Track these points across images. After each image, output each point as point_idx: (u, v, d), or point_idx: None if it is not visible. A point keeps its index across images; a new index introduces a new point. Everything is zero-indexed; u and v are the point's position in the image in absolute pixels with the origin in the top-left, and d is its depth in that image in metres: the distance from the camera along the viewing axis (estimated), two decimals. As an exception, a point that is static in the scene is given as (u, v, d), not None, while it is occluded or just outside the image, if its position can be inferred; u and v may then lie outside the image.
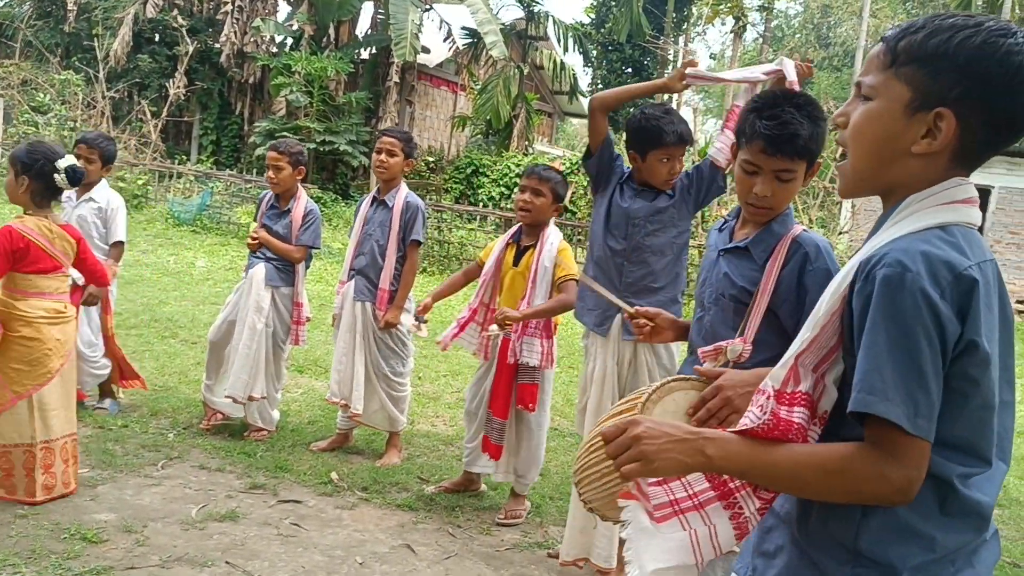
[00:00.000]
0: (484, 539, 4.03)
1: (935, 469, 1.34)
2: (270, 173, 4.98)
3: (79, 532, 3.51)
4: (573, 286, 4.17)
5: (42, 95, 17.36)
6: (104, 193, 5.05)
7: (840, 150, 1.65)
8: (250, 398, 4.92)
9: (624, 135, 3.70)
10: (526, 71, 20.15)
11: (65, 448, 3.88)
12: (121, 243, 5.10)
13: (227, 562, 3.43)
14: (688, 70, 3.34)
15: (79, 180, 3.95)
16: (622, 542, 3.59)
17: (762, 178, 2.25)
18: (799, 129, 2.18)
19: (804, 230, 2.32)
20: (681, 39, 29.25)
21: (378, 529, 3.96)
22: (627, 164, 3.64)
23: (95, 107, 17.80)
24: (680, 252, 3.56)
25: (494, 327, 4.14)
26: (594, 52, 26.14)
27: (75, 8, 19.93)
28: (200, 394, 5.25)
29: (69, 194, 5.00)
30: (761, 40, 30.12)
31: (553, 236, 4.24)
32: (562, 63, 20.42)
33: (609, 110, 3.60)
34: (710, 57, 39.07)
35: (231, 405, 4.97)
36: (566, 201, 16.80)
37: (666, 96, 25.11)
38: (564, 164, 17.64)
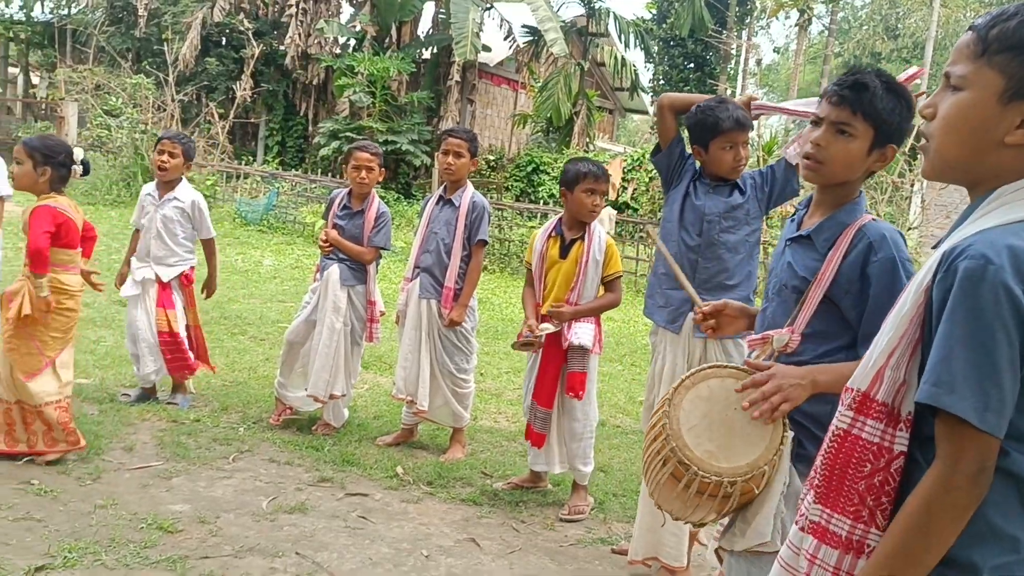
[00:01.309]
0: (548, 534, 4.05)
1: (1015, 467, 1.32)
2: (362, 174, 5.03)
3: (156, 522, 3.62)
4: (621, 285, 4.32)
5: (114, 99, 17.87)
6: (187, 192, 5.23)
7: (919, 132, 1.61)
8: (331, 396, 5.02)
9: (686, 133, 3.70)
10: (586, 68, 20.08)
11: (69, 404, 4.22)
12: (212, 239, 5.30)
13: (297, 553, 3.51)
14: (754, 103, 3.47)
15: (88, 171, 4.37)
16: (691, 540, 3.60)
17: (823, 128, 2.15)
18: (870, 84, 2.10)
19: (873, 219, 2.22)
20: (744, 33, 28.87)
21: (443, 523, 4.01)
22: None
23: (165, 110, 18.27)
24: (752, 250, 3.57)
25: (546, 324, 4.16)
26: (655, 48, 25.97)
27: (145, 14, 20.50)
28: (269, 389, 5.37)
29: (153, 194, 5.16)
30: (826, 33, 29.57)
31: (599, 228, 4.31)
32: (623, 59, 20.31)
33: (677, 111, 3.62)
34: (774, 51, 38.46)
35: (302, 400, 5.08)
36: (628, 197, 16.79)
37: (727, 90, 24.80)
38: (625, 161, 17.55)
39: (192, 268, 5.31)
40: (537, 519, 4.22)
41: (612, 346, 8.70)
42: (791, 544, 1.58)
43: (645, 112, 27.44)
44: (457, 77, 19.40)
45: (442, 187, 4.99)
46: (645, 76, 27.33)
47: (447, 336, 4.86)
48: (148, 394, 5.27)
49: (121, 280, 5.31)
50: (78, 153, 4.24)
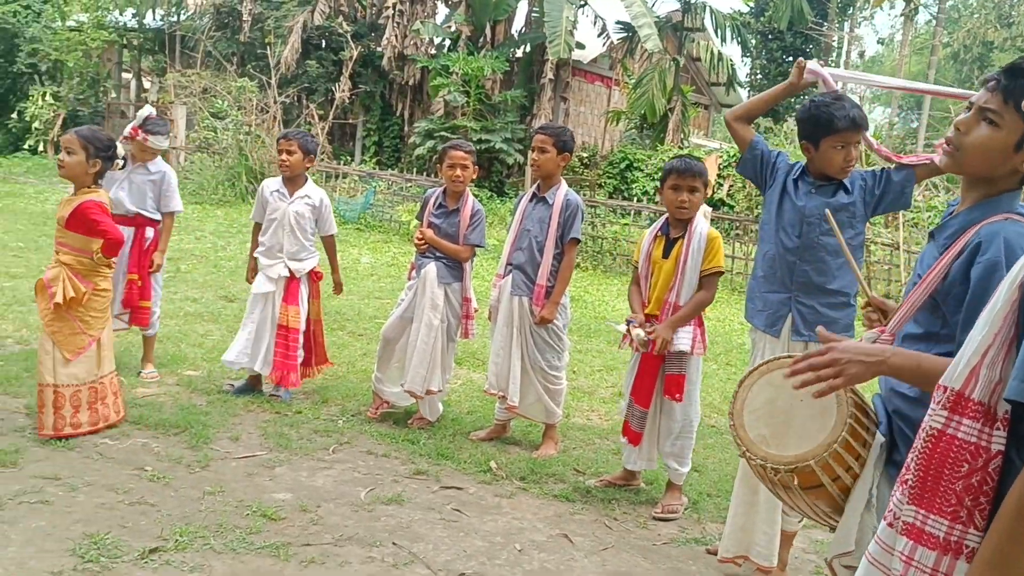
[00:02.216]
0: (640, 532, 4.04)
1: None
2: (456, 172, 5.10)
3: (260, 509, 3.76)
4: (716, 282, 4.22)
5: (220, 101, 18.55)
6: (315, 190, 5.43)
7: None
8: (427, 392, 5.11)
9: (786, 126, 3.62)
10: (682, 63, 19.82)
11: (113, 382, 4.54)
12: (334, 235, 5.54)
13: (394, 543, 3.59)
14: (808, 64, 3.40)
15: (125, 164, 4.74)
16: (784, 539, 3.54)
17: (970, 113, 1.98)
18: None
19: (1007, 218, 1.98)
20: (846, 24, 28.01)
21: (536, 518, 4.05)
22: (794, 159, 3.56)
23: (268, 112, 18.86)
24: (854, 253, 3.42)
25: (640, 332, 4.13)
26: (753, 41, 25.43)
27: (249, 19, 21.22)
28: (367, 383, 5.50)
29: (283, 192, 5.35)
30: (934, 22, 28.43)
31: (702, 226, 4.24)
32: (719, 54, 19.96)
33: (745, 121, 3.58)
34: (878, 42, 37.17)
35: (399, 395, 5.19)
36: (724, 194, 16.49)
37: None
38: (721, 157, 17.27)
39: (318, 263, 5.49)
40: (630, 517, 4.22)
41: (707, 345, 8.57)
42: (881, 541, 1.55)
43: (742, 107, 26.79)
44: (550, 75, 19.43)
45: (536, 184, 5.01)
46: (742, 70, 26.80)
47: (539, 333, 4.88)
48: (253, 386, 5.47)
49: (252, 273, 5.52)
50: (120, 148, 4.58)
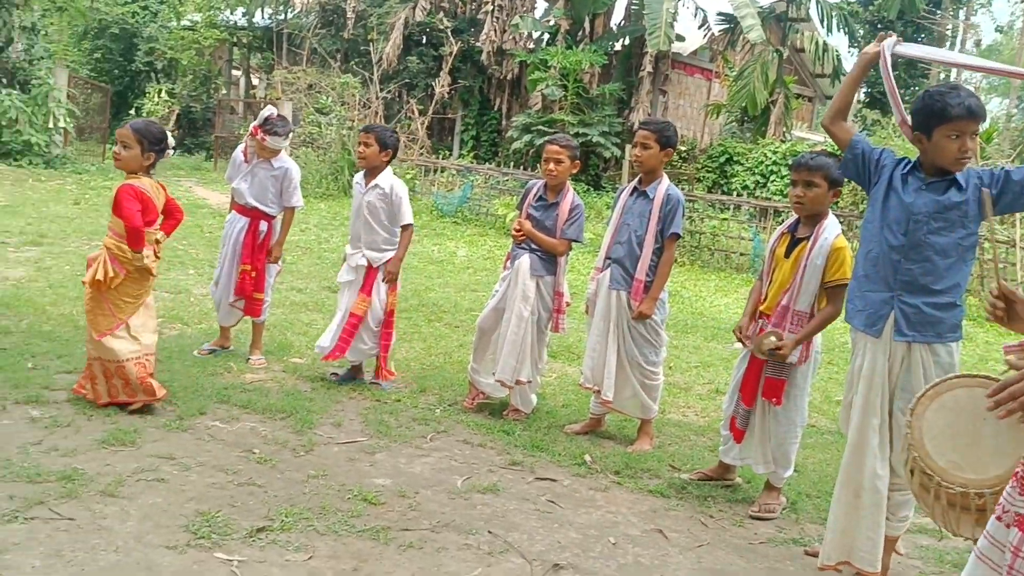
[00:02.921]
0: (737, 531, 4.00)
1: None
2: (550, 166, 5.12)
3: (361, 494, 3.87)
4: (843, 295, 3.98)
5: (324, 97, 19.05)
6: (388, 179, 5.50)
7: None
8: (517, 382, 5.17)
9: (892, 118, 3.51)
10: (785, 55, 19.37)
11: (149, 361, 4.64)
12: (410, 225, 5.54)
13: (489, 531, 3.65)
14: (894, 44, 3.37)
15: (171, 151, 4.89)
16: (886, 544, 3.44)
17: None
18: None
19: None
20: (961, 12, 26.81)
21: (630, 512, 4.05)
22: (899, 154, 3.44)
23: (370, 107, 19.28)
24: (966, 254, 3.27)
25: (771, 338, 4.01)
26: (861, 31, 24.59)
27: (353, 16, 21.73)
28: (463, 374, 5.59)
29: (360, 182, 5.49)
30: (1059, 7, 26.95)
31: (829, 230, 4.05)
32: (825, 44, 19.42)
33: (840, 118, 3.50)
34: (995, 30, 35.45)
35: (494, 386, 5.25)
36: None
37: (940, 74, 23.13)
38: (826, 150, 16.81)
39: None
40: (726, 515, 4.17)
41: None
42: (990, 536, 1.51)
43: (848, 99, 25.99)
44: (649, 68, 19.25)
45: (637, 178, 4.99)
46: (848, 61, 25.97)
47: (636, 328, 4.87)
48: (354, 374, 5.63)
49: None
50: (170, 139, 4.82)
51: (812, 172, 4.02)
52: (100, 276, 4.46)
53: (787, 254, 4.13)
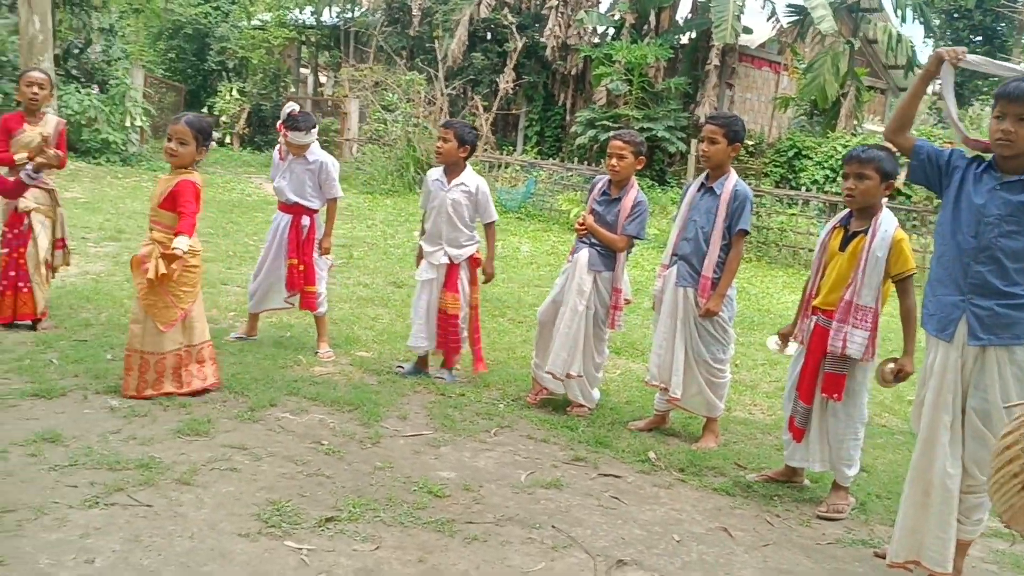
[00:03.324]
0: (804, 531, 3.94)
1: None
2: (613, 161, 5.11)
3: (426, 486, 3.92)
4: (912, 284, 3.94)
5: (390, 94, 19.26)
6: (473, 178, 5.55)
7: None
8: (568, 376, 5.17)
9: (971, 111, 3.43)
10: (857, 46, 18.91)
11: (202, 352, 4.85)
12: (494, 222, 5.63)
13: (553, 526, 3.67)
14: (958, 56, 3.31)
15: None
16: (959, 548, 3.36)
17: None
18: None
19: None
20: (1044, -1, 25.83)
21: (695, 510, 4.02)
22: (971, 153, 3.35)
23: (435, 104, 19.42)
24: None
25: (889, 366, 3.91)
26: (936, 21, 23.90)
27: (419, 13, 21.91)
28: (526, 369, 5.61)
29: (442, 181, 5.54)
30: None
31: (887, 222, 3.99)
32: (898, 35, 18.90)
33: (902, 131, 3.46)
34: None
35: (555, 382, 5.26)
36: (899, 181, 15.64)
37: (1020, 61, 22.33)
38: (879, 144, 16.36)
39: (477, 250, 5.64)
40: (792, 515, 4.12)
41: (879, 342, 8.20)
42: None
43: (922, 91, 25.30)
44: (716, 61, 19.00)
45: (704, 174, 4.94)
46: (923, 52, 25.26)
47: (703, 325, 4.82)
48: (420, 368, 5.70)
49: (419, 260, 5.75)
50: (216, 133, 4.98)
51: (863, 164, 3.96)
52: (164, 271, 4.61)
53: (842, 248, 4.08)
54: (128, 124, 16.91)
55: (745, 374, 6.74)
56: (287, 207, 5.90)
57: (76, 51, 17.46)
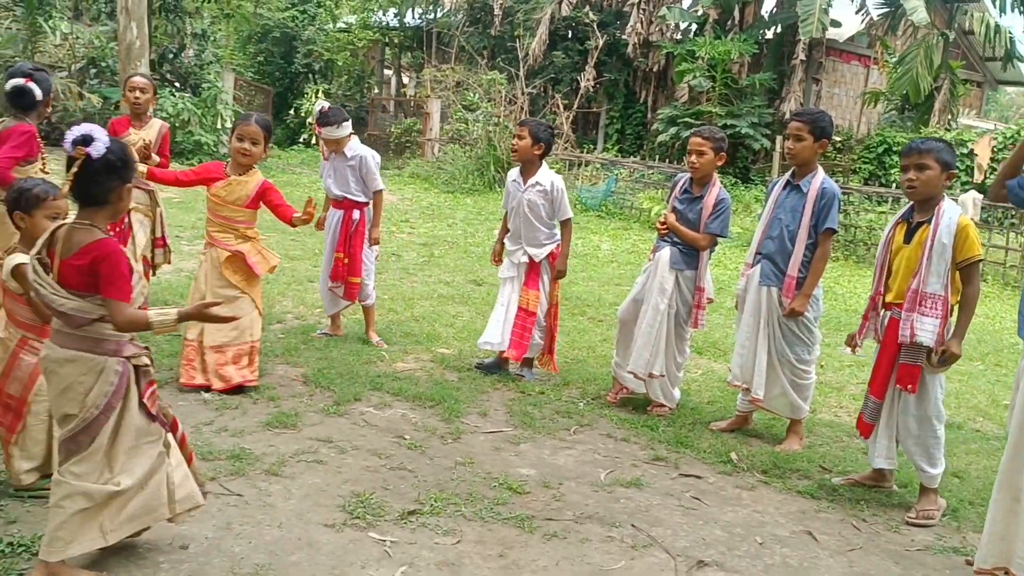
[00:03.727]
0: (892, 536, 3.84)
1: None
2: (692, 158, 5.08)
3: (506, 482, 3.96)
4: (977, 271, 3.93)
5: (472, 94, 19.40)
6: (548, 176, 5.56)
7: None
8: (650, 375, 5.14)
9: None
10: (951, 38, 18.26)
11: (228, 350, 4.87)
12: (570, 219, 5.62)
13: (633, 525, 3.66)
14: None
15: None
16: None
17: None
18: None
19: None
20: None
21: (778, 512, 3.96)
22: None
23: (515, 103, 19.48)
24: None
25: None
26: (1037, 10, 22.85)
27: (500, 13, 22.01)
28: (606, 368, 5.60)
29: (519, 181, 5.58)
30: None
31: (951, 210, 3.93)
32: (996, 26, 18.16)
33: (1011, 178, 3.38)
34: None
35: (636, 381, 5.23)
36: (972, 212, 15.02)
37: None
38: (995, 139, 15.76)
39: (558, 247, 5.65)
40: (880, 520, 4.01)
41: (973, 343, 7.94)
42: None
43: (1022, 83, 24.39)
44: (802, 56, 18.58)
45: (789, 172, 4.85)
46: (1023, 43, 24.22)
47: (787, 325, 4.73)
48: (500, 365, 5.74)
49: (495, 258, 5.88)
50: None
51: (923, 155, 3.93)
52: (275, 262, 4.90)
53: (907, 240, 4.03)
54: (219, 126, 17.43)
55: (831, 375, 6.59)
56: (337, 203, 6.08)
57: (171, 56, 18.10)
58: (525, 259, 5.54)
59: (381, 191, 6.17)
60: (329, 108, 5.94)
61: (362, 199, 6.06)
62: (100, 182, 2.75)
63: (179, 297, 6.84)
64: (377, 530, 3.37)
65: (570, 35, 22.04)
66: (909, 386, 3.96)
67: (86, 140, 2.67)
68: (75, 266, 2.72)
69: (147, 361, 2.92)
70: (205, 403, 4.60)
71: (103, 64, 16.44)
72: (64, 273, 2.74)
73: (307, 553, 3.14)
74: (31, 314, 3.27)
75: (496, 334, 5.56)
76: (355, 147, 6.05)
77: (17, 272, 3.19)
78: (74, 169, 2.69)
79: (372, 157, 6.09)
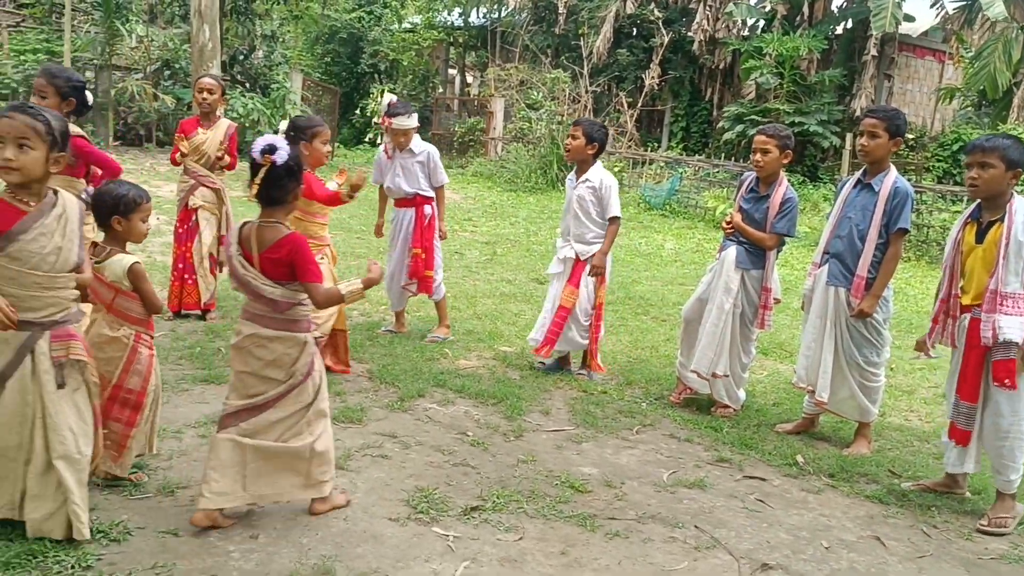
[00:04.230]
0: (963, 544, 3.74)
1: None
2: (757, 156, 5.02)
3: (568, 481, 3.96)
4: None
5: (535, 93, 19.42)
6: (598, 173, 5.55)
7: None
8: (714, 375, 5.09)
9: None
10: (1032, 31, 17.65)
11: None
12: (617, 218, 5.58)
13: (696, 526, 3.63)
14: None
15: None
16: None
17: None
18: None
19: None
20: None
21: (845, 517, 3.89)
22: None
23: (579, 101, 19.45)
24: None
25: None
26: (1124, 1, 21.95)
27: (564, 11, 21.98)
28: (669, 368, 5.56)
29: (572, 178, 5.60)
30: None
31: (1023, 207, 3.82)
32: (1079, 18, 17.52)
33: None
34: None
35: (702, 382, 5.19)
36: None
37: None
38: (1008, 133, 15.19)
39: None
40: (951, 526, 3.91)
41: None
42: None
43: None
44: (874, 51, 18.18)
45: (861, 170, 4.75)
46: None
47: (856, 327, 4.64)
48: (562, 364, 5.74)
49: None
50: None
51: (986, 153, 3.84)
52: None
53: (979, 240, 3.92)
54: (288, 126, 17.76)
55: (902, 378, 6.44)
56: (407, 201, 6.12)
57: (241, 57, 18.51)
58: (571, 255, 5.54)
59: (444, 185, 6.24)
60: (398, 101, 6.06)
61: (430, 194, 6.13)
62: (283, 185, 3.15)
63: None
64: (440, 525, 3.41)
65: (635, 33, 21.90)
66: (1007, 380, 3.82)
67: (271, 149, 3.07)
68: (272, 259, 3.13)
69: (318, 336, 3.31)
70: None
71: (177, 66, 16.89)
72: (264, 266, 3.15)
73: (372, 546, 3.19)
74: (142, 309, 3.44)
75: (541, 331, 5.58)
76: (420, 143, 6.13)
77: (132, 271, 3.38)
78: (261, 174, 3.07)
79: (436, 151, 6.19)
